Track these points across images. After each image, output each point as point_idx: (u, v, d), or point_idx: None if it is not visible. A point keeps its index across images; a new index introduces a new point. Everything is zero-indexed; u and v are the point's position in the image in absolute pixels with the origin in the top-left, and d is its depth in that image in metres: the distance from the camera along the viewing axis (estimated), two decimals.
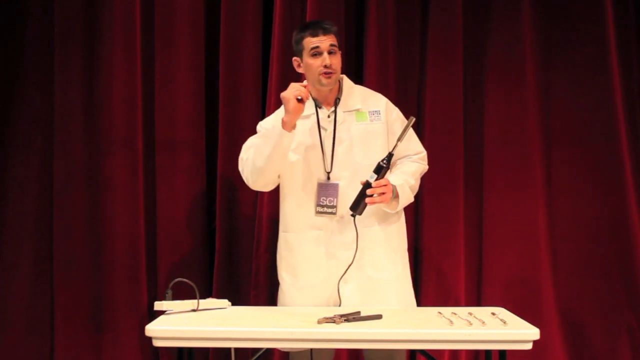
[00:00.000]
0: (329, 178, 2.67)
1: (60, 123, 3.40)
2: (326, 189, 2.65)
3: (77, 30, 3.40)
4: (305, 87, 2.58)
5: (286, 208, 2.76)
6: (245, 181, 2.73)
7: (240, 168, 2.74)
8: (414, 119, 2.58)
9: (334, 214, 2.64)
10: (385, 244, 2.73)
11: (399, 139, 2.57)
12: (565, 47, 3.48)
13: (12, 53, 3.46)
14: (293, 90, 2.55)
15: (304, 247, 2.70)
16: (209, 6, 3.48)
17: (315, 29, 2.66)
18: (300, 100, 2.54)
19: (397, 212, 2.76)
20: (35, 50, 3.45)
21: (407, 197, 2.69)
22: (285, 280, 2.76)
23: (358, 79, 3.38)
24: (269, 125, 2.76)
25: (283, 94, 2.56)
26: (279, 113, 2.77)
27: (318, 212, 2.66)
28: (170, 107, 3.43)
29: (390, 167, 2.72)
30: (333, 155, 2.68)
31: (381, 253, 2.71)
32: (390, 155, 2.54)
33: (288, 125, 2.55)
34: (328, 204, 2.65)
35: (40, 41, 3.45)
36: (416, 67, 3.47)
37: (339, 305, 2.61)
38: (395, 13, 3.42)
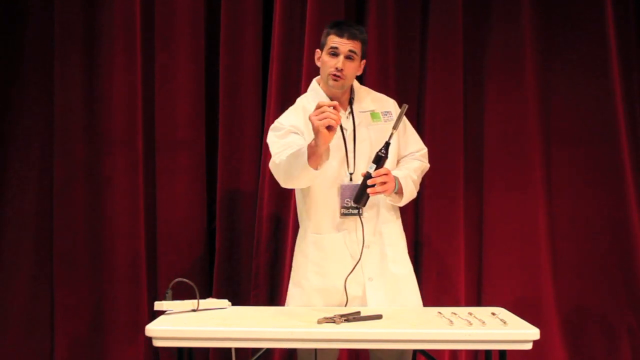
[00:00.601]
0: (351, 179, 2.66)
1: (60, 123, 3.41)
2: (349, 191, 2.63)
3: (77, 30, 3.40)
4: (335, 107, 2.34)
5: (316, 210, 2.71)
6: (277, 179, 2.66)
7: (270, 166, 2.65)
8: (407, 106, 2.54)
9: (360, 214, 2.62)
10: (401, 238, 2.76)
11: (394, 127, 2.55)
12: (565, 47, 3.48)
13: (12, 53, 3.46)
14: (323, 117, 2.31)
15: (334, 248, 2.67)
16: (209, 6, 3.48)
17: (343, 30, 2.63)
18: (330, 128, 2.33)
19: (399, 208, 2.77)
20: (35, 50, 3.45)
21: (410, 190, 2.68)
22: (310, 281, 2.70)
23: (358, 79, 3.38)
24: (291, 122, 2.68)
25: (312, 119, 2.34)
26: (300, 110, 2.72)
27: (343, 214, 2.65)
28: (170, 107, 3.43)
29: (394, 164, 2.73)
30: (355, 156, 2.68)
31: (399, 247, 2.74)
32: (387, 145, 2.52)
33: (316, 157, 2.38)
34: (352, 205, 2.63)
35: (40, 41, 3.45)
36: (416, 67, 3.47)
37: (345, 304, 2.61)
38: (395, 13, 3.42)
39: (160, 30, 3.42)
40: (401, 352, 2.71)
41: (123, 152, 3.41)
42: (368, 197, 2.53)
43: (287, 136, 2.65)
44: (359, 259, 2.60)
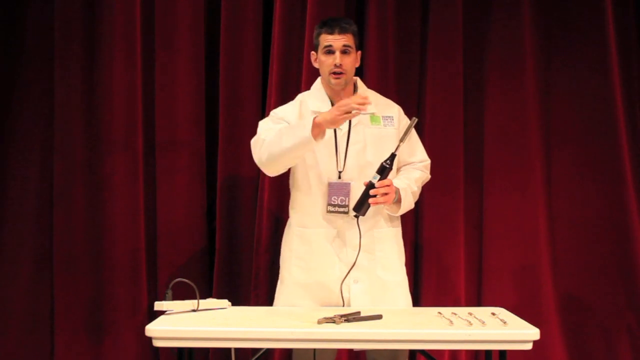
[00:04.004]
0: (339, 177, 2.67)
1: (60, 123, 3.41)
2: (337, 188, 2.65)
3: (77, 31, 3.41)
4: (364, 101, 2.47)
5: (301, 205, 2.74)
6: (256, 160, 2.67)
7: (252, 141, 2.68)
8: (416, 120, 2.58)
9: (346, 213, 2.63)
10: (394, 244, 2.75)
11: (401, 140, 2.57)
12: (565, 47, 3.48)
13: (12, 53, 3.46)
14: (346, 111, 2.45)
15: (320, 243, 2.68)
16: (209, 6, 3.48)
17: (332, 26, 2.66)
18: (348, 114, 2.47)
19: (398, 216, 2.77)
20: (35, 51, 3.46)
21: (409, 201, 2.71)
22: (293, 275, 2.72)
23: (359, 74, 3.38)
24: (287, 114, 2.72)
25: (347, 103, 2.46)
26: (297, 105, 2.75)
27: (329, 212, 2.66)
28: (170, 107, 3.43)
29: (395, 172, 2.73)
30: (346, 156, 2.68)
31: (392, 254, 2.73)
32: (393, 156, 2.54)
33: (320, 130, 2.48)
34: (340, 203, 2.64)
35: (41, 41, 3.45)
36: (416, 67, 3.46)
37: (342, 307, 2.61)
38: (395, 13, 3.42)
39: (161, 30, 3.42)
40: (395, 352, 2.71)
41: (123, 152, 3.41)
42: (369, 206, 2.55)
43: (278, 122, 2.70)
44: (354, 263, 2.61)
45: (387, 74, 3.40)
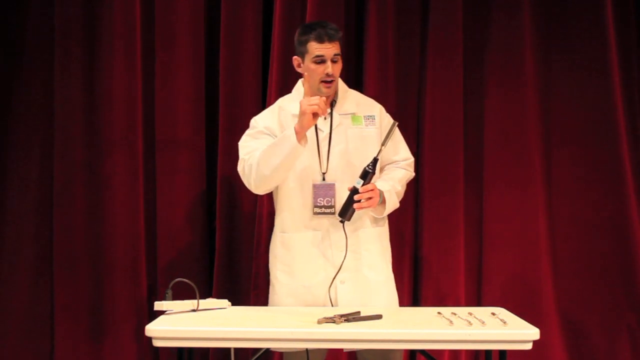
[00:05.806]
0: (324, 179, 2.68)
1: (60, 123, 3.41)
2: (322, 190, 2.67)
3: (77, 30, 3.41)
4: (325, 103, 2.53)
5: (283, 209, 2.76)
6: (247, 185, 2.71)
7: (240, 169, 2.70)
8: (397, 123, 2.62)
9: (333, 213, 2.65)
10: (379, 244, 2.76)
11: (382, 144, 2.60)
12: (565, 47, 3.48)
13: (12, 53, 3.46)
14: (312, 104, 2.48)
15: (301, 247, 2.70)
16: (209, 6, 3.48)
17: (321, 34, 2.63)
18: (315, 115, 2.50)
19: (385, 216, 2.78)
20: (35, 51, 3.46)
21: (393, 202, 2.73)
22: (279, 281, 2.74)
23: (358, 80, 3.38)
24: (266, 123, 2.73)
25: (301, 102, 2.51)
26: (275, 110, 2.76)
27: (316, 213, 2.67)
28: (170, 107, 3.43)
29: (378, 171, 2.73)
30: (329, 157, 2.69)
31: (376, 253, 2.74)
32: (375, 160, 2.57)
33: (300, 136, 2.51)
34: (326, 204, 2.66)
35: (41, 41, 3.45)
36: (416, 67, 3.46)
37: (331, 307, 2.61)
38: (395, 13, 3.42)
39: (161, 29, 3.42)
40: (389, 351, 2.71)
41: (123, 152, 3.41)
42: (354, 211, 2.58)
43: (258, 137, 2.70)
44: (340, 266, 2.61)
45: (387, 74, 3.40)
